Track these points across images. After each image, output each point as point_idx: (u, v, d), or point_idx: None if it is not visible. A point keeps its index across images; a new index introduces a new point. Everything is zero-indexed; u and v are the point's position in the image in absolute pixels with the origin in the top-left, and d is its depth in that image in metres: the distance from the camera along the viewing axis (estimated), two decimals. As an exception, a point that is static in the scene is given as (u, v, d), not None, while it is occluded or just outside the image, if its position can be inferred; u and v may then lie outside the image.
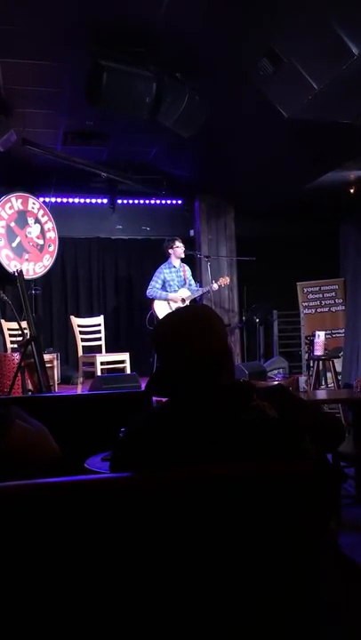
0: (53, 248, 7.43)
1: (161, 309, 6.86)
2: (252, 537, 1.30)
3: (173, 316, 1.59)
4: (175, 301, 6.87)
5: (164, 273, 6.94)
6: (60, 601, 1.23)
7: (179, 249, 6.96)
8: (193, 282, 7.15)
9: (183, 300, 6.93)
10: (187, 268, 7.13)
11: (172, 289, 6.92)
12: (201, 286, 7.30)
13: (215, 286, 7.14)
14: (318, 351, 6.91)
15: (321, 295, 8.93)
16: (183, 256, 7.03)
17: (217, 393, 1.48)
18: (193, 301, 7.07)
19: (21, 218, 7.12)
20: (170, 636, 1.27)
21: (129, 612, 1.25)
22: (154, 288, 6.89)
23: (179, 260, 7.03)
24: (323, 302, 8.92)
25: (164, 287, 6.91)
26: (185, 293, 6.97)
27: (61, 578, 1.23)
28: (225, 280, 7.19)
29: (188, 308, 1.84)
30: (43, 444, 1.92)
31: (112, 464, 1.53)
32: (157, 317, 6.82)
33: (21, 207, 7.13)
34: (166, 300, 6.86)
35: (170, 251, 6.97)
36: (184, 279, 7.03)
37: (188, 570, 1.28)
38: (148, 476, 1.30)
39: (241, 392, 1.50)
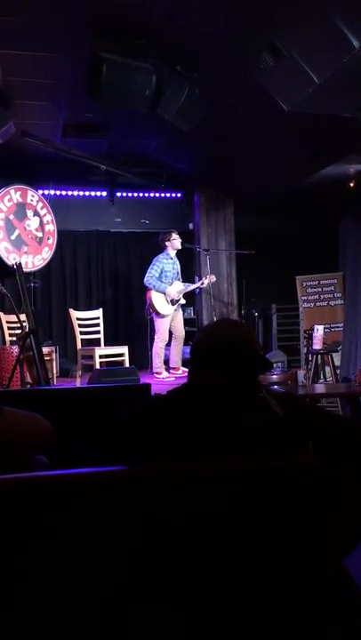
0: (52, 241, 7.42)
1: (158, 300, 6.90)
2: (251, 535, 1.31)
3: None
4: (170, 295, 6.91)
5: (162, 262, 6.96)
6: (60, 594, 1.24)
7: (176, 241, 6.99)
8: (180, 277, 7.21)
9: (179, 293, 6.98)
10: (178, 262, 7.17)
11: (167, 279, 6.96)
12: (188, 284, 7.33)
13: (205, 283, 7.22)
14: (317, 345, 6.91)
15: (320, 289, 8.93)
16: (180, 247, 7.05)
17: (225, 382, 1.49)
18: (184, 295, 7.13)
19: (20, 210, 7.10)
20: (168, 631, 1.27)
21: (127, 608, 1.26)
22: (153, 277, 6.91)
23: (174, 252, 7.06)
24: (322, 296, 8.91)
25: (160, 277, 6.93)
26: (179, 287, 7.02)
27: (60, 571, 1.24)
28: (211, 278, 7.25)
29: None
30: (35, 423, 1.99)
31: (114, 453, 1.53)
32: (154, 308, 6.89)
33: (20, 200, 7.11)
34: (164, 292, 6.89)
35: (167, 243, 6.99)
36: (177, 272, 7.08)
37: (186, 567, 1.28)
38: (146, 470, 1.31)
39: (249, 385, 1.52)
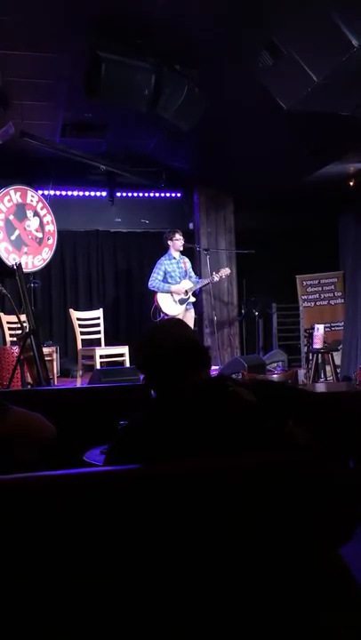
0: (52, 241, 7.41)
1: (165, 301, 6.85)
2: (246, 529, 1.31)
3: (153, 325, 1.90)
4: (178, 293, 6.87)
5: (164, 264, 6.92)
6: (60, 593, 1.23)
7: (178, 241, 6.94)
8: (193, 274, 7.14)
9: (186, 292, 6.91)
10: (187, 260, 7.12)
11: (173, 280, 6.90)
12: (200, 279, 7.29)
13: (216, 278, 7.14)
14: (317, 344, 6.92)
15: (320, 288, 8.93)
16: (182, 249, 7.01)
17: (194, 384, 1.55)
18: (194, 293, 7.08)
19: (20, 211, 7.10)
20: (168, 627, 1.27)
21: (125, 606, 1.26)
22: (156, 280, 6.86)
23: (178, 252, 7.02)
24: (322, 295, 8.92)
25: (165, 279, 6.89)
26: (187, 285, 6.95)
27: (60, 569, 1.23)
28: (225, 271, 7.17)
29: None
30: (39, 423, 2.05)
31: (106, 461, 1.59)
32: (161, 309, 6.83)
33: (20, 200, 7.11)
34: (169, 292, 6.85)
35: (169, 242, 6.96)
36: (185, 271, 7.02)
37: (184, 563, 1.28)
38: (144, 468, 1.31)
39: (216, 381, 1.60)
